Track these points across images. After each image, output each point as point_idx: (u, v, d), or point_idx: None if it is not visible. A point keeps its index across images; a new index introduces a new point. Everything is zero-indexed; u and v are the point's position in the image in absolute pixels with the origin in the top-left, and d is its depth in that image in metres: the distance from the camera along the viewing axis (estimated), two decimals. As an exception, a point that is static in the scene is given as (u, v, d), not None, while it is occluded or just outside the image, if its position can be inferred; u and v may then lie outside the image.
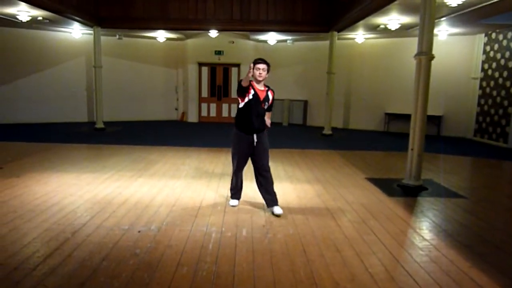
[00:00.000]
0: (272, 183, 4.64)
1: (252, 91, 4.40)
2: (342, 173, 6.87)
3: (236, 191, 4.89)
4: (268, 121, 4.67)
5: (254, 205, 4.86)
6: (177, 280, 2.98)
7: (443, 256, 3.53)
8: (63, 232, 3.84)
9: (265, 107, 4.50)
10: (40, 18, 10.57)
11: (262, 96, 4.45)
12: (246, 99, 4.41)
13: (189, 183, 5.92)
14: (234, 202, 4.87)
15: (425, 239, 3.95)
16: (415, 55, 5.80)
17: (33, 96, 13.21)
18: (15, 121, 12.83)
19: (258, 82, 4.45)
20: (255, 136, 4.50)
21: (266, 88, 4.53)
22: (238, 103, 4.56)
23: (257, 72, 4.37)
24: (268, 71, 4.44)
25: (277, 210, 4.53)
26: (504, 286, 2.99)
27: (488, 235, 4.13)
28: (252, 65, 4.33)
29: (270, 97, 4.55)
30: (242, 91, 4.38)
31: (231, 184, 4.89)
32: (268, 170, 4.61)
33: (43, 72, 13.37)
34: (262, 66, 4.38)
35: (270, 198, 4.62)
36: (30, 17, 10.27)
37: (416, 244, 3.84)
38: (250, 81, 4.37)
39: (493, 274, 3.20)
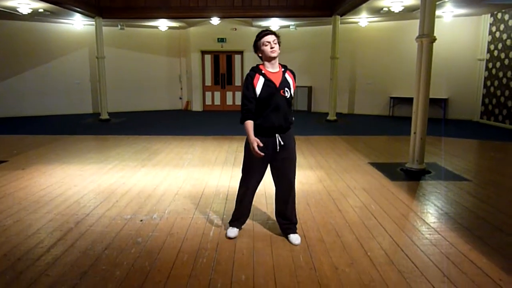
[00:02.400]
0: (293, 200, 3.56)
1: (260, 79, 3.22)
2: (345, 158, 6.86)
3: (238, 216, 3.64)
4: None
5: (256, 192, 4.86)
6: (178, 267, 3.02)
7: (444, 239, 3.53)
8: (67, 223, 3.89)
9: (286, 94, 3.25)
10: (41, 10, 10.57)
11: (277, 80, 3.24)
12: (257, 93, 3.22)
13: (192, 172, 5.95)
14: (231, 231, 3.58)
15: (426, 223, 3.95)
16: (417, 38, 5.71)
17: (38, 88, 13.28)
18: (20, 114, 12.94)
19: (271, 60, 3.25)
20: (278, 137, 3.30)
21: (282, 69, 3.33)
22: None
23: (267, 48, 3.20)
24: (279, 45, 3.26)
25: (293, 238, 3.48)
26: (504, 268, 2.99)
27: (490, 217, 4.11)
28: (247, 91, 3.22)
29: (290, 80, 3.31)
30: (250, 94, 3.23)
31: (235, 205, 3.67)
32: (291, 189, 3.48)
33: (46, 65, 13.41)
34: (271, 37, 3.21)
35: (287, 226, 3.56)
36: (31, 10, 10.28)
37: (417, 227, 3.84)
38: (258, 65, 3.31)
39: (493, 256, 3.20)
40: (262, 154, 3.18)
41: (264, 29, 3.34)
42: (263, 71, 3.25)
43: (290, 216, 3.54)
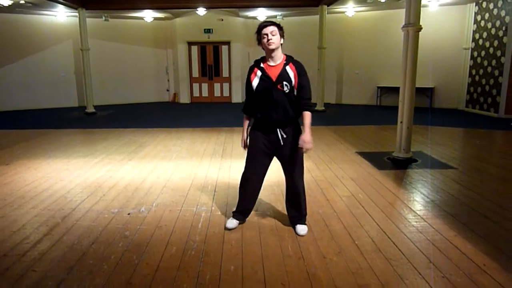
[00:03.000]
0: (299, 195, 3.48)
1: (258, 74, 3.17)
2: (333, 148, 6.89)
3: (241, 208, 3.57)
4: (308, 129, 3.18)
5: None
6: (166, 259, 3.01)
7: (430, 226, 3.58)
8: (53, 218, 3.85)
9: (285, 89, 3.14)
10: (22, 1, 10.34)
11: (274, 74, 3.15)
12: (254, 87, 3.20)
13: (180, 164, 5.93)
14: (230, 222, 3.54)
15: (413, 210, 4.00)
16: (403, 27, 5.73)
17: (21, 82, 13.04)
18: (4, 108, 12.70)
19: (271, 53, 3.15)
20: (280, 131, 3.25)
21: (285, 61, 3.20)
22: None
23: (265, 41, 3.11)
24: (281, 35, 3.16)
25: (299, 229, 3.46)
26: (488, 253, 3.04)
27: (475, 204, 4.18)
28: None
29: (291, 73, 3.16)
30: (249, 90, 3.26)
31: (238, 195, 3.62)
32: (295, 186, 3.41)
33: (29, 57, 13.15)
34: (270, 29, 3.09)
35: (294, 215, 3.54)
36: (12, 1, 10.06)
37: (404, 215, 3.89)
38: (263, 57, 3.26)
39: (478, 242, 3.25)
40: (244, 149, 3.41)
41: (263, 21, 3.23)
42: (262, 65, 3.19)
43: (298, 209, 3.49)
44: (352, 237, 3.37)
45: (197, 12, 12.96)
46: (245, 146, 3.47)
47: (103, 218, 3.83)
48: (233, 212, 3.65)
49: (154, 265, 2.93)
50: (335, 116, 11.16)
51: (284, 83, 3.14)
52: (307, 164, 5.81)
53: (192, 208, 4.08)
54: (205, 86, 15.22)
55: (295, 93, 3.20)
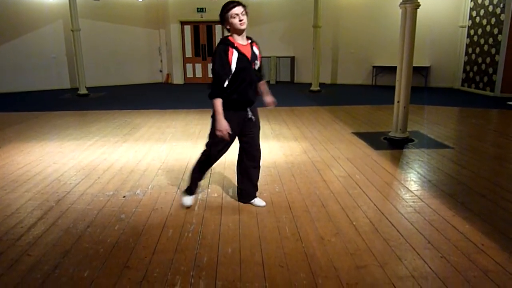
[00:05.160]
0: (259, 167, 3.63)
1: (235, 53, 3.10)
2: (329, 129, 6.84)
3: (197, 185, 3.64)
4: (264, 89, 3.48)
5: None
6: (163, 242, 2.99)
7: (427, 206, 3.58)
8: (47, 201, 3.80)
9: (256, 67, 3.27)
10: (9, -20, 10.01)
11: (248, 53, 3.18)
12: (233, 69, 3.12)
13: (174, 146, 5.86)
14: (188, 199, 3.62)
15: (410, 190, 3.99)
16: (400, 4, 5.62)
17: (12, 64, 12.74)
18: (-5, 90, 12.47)
19: (240, 33, 3.15)
20: (248, 111, 3.31)
21: (249, 41, 3.26)
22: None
23: (236, 21, 3.07)
24: (247, 14, 3.14)
25: (259, 201, 3.65)
26: (486, 233, 3.04)
27: (472, 183, 4.18)
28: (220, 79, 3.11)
29: (257, 52, 3.28)
30: (225, 70, 3.11)
31: (194, 174, 3.58)
32: (260, 152, 3.55)
33: (19, 39, 12.82)
34: (240, 9, 3.09)
35: (253, 191, 3.65)
36: (-2, -21, 9.72)
37: (401, 195, 3.88)
38: (227, 36, 3.20)
39: (475, 221, 3.25)
40: (228, 139, 3.23)
41: (229, 1, 3.15)
42: (235, 45, 3.13)
43: (257, 181, 3.63)
44: (350, 218, 3.35)
45: (189, -10, 12.67)
46: (225, 136, 3.19)
47: (98, 201, 3.78)
48: (188, 189, 3.64)
49: (151, 248, 2.90)
50: (330, 96, 11.08)
51: (256, 61, 3.25)
52: (304, 144, 5.79)
53: (188, 190, 4.04)
54: (198, 67, 15.02)
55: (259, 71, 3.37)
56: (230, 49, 3.11)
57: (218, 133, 3.16)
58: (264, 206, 3.59)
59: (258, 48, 3.32)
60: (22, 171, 4.72)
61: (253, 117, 3.34)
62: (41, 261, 2.74)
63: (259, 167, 3.62)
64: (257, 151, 3.53)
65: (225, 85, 3.14)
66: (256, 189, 3.67)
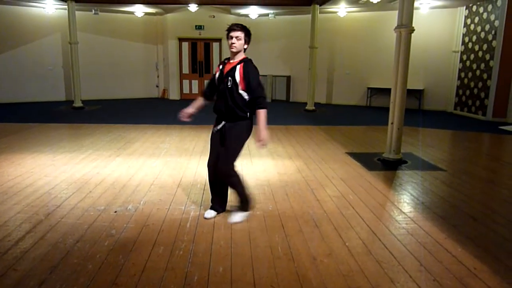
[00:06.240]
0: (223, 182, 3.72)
1: (220, 67, 3.55)
2: (323, 148, 6.86)
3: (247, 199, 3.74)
4: (262, 126, 3.39)
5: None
6: (153, 259, 2.94)
7: (420, 228, 3.57)
8: (36, 214, 3.74)
9: (229, 84, 3.38)
10: (9, -8, 10.09)
11: (226, 70, 3.46)
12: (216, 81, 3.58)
13: (168, 161, 5.84)
14: (209, 213, 3.78)
15: (403, 212, 3.98)
16: (395, 28, 5.72)
17: (8, 75, 12.76)
18: (-11, 101, 12.42)
19: (233, 54, 3.45)
20: (222, 124, 3.50)
21: (238, 62, 3.43)
22: None
23: (229, 43, 3.40)
24: (246, 41, 3.43)
25: (233, 217, 3.68)
26: (478, 257, 3.03)
27: (464, 206, 4.18)
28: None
29: (238, 73, 3.37)
30: (212, 78, 3.64)
31: (245, 191, 3.69)
32: (223, 173, 3.55)
33: (16, 50, 12.86)
34: (236, 33, 3.37)
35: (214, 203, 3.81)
36: (-1, -8, 9.79)
37: (394, 217, 3.87)
38: (226, 59, 3.58)
39: (468, 244, 3.25)
40: (185, 119, 3.85)
41: (233, 24, 3.46)
42: (225, 62, 3.54)
43: (222, 196, 3.80)
44: (343, 239, 3.33)
45: (188, 8, 12.83)
46: (182, 117, 3.82)
47: (89, 216, 3.73)
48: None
49: (140, 265, 2.85)
50: (325, 116, 11.15)
51: (229, 78, 3.41)
52: (298, 163, 5.79)
53: (181, 207, 4.01)
54: (195, 83, 15.08)
55: (239, 91, 3.40)
56: (220, 64, 3.58)
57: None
58: (235, 223, 3.60)
59: (242, 70, 3.39)
60: (13, 183, 4.66)
61: (216, 131, 3.57)
62: (28, 276, 2.68)
63: (220, 182, 3.69)
64: (214, 165, 3.62)
65: (206, 91, 3.74)
66: (224, 201, 3.82)
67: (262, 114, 3.41)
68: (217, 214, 3.77)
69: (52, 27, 13.27)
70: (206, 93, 3.75)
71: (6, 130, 8.03)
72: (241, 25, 3.43)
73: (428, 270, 2.83)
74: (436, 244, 3.26)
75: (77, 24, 11.53)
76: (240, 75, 3.39)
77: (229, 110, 3.44)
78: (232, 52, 3.43)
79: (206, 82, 3.53)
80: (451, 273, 2.80)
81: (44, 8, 12.74)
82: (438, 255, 3.06)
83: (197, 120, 9.52)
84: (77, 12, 11.53)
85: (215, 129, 3.60)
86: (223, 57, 14.46)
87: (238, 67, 3.41)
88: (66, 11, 11.41)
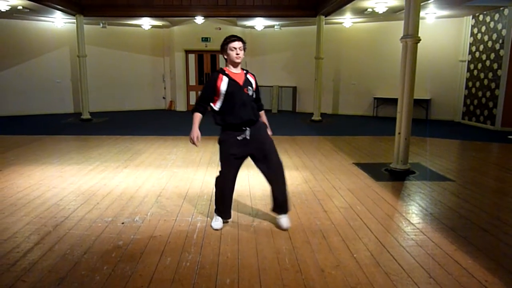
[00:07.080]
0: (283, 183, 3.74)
1: (224, 79, 3.47)
2: (330, 158, 6.85)
3: (221, 207, 3.79)
4: (264, 120, 3.79)
5: (240, 193, 4.81)
6: (160, 271, 2.94)
7: (429, 240, 3.53)
8: (45, 226, 3.76)
9: (250, 93, 3.54)
10: (20, 7, 10.29)
11: (240, 80, 3.53)
12: (221, 95, 3.48)
13: (175, 172, 5.85)
14: (217, 223, 3.77)
15: (411, 223, 3.95)
16: (401, 38, 5.73)
17: (17, 88, 12.94)
18: (-1, 113, 12.59)
19: (235, 65, 3.54)
20: (247, 130, 3.54)
21: (244, 71, 3.62)
22: (211, 109, 3.59)
23: (233, 53, 3.46)
24: (244, 50, 3.56)
25: (283, 221, 3.74)
26: (489, 269, 2.99)
27: (474, 217, 4.13)
28: (196, 116, 3.60)
29: (252, 80, 3.61)
30: (208, 93, 3.53)
31: (215, 195, 3.86)
32: (280, 163, 3.71)
33: (26, 63, 13.07)
34: (239, 44, 3.47)
35: (275, 205, 3.81)
36: (10, 7, 10.00)
37: (402, 228, 3.83)
38: (222, 68, 3.59)
39: (478, 256, 3.20)
40: (196, 145, 3.64)
41: (231, 35, 3.57)
42: (226, 72, 3.53)
43: (284, 193, 3.73)
44: (351, 250, 3.30)
45: (195, 20, 12.97)
46: (195, 142, 3.63)
47: (97, 227, 3.75)
48: (216, 210, 3.85)
49: (147, 277, 2.85)
50: (331, 126, 11.14)
51: (248, 87, 3.55)
52: (305, 174, 5.77)
53: (187, 218, 4.01)
54: (202, 95, 15.16)
55: (254, 97, 3.64)
56: (221, 76, 3.50)
57: (189, 139, 3.58)
58: (286, 229, 3.70)
59: (254, 78, 3.67)
60: (22, 195, 4.70)
61: (247, 137, 3.53)
62: (36, 288, 2.68)
63: (282, 182, 3.71)
64: (273, 163, 3.65)
65: (216, 109, 3.55)
66: (281, 206, 3.75)
67: (264, 113, 3.87)
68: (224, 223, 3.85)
69: (61, 41, 13.47)
70: (205, 109, 3.63)
71: (14, 143, 8.12)
72: (239, 37, 3.57)
73: (438, 283, 2.79)
74: (445, 255, 3.22)
75: (85, 37, 11.71)
76: (255, 84, 3.65)
77: (256, 116, 3.62)
78: (236, 62, 3.52)
79: (199, 97, 3.64)
80: (461, 285, 2.75)
81: (53, 22, 12.96)
82: (448, 267, 3.02)
83: (203, 132, 9.60)
84: (85, 26, 11.72)
85: (240, 137, 3.54)
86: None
87: (249, 76, 3.62)
88: (75, 25, 11.59)
